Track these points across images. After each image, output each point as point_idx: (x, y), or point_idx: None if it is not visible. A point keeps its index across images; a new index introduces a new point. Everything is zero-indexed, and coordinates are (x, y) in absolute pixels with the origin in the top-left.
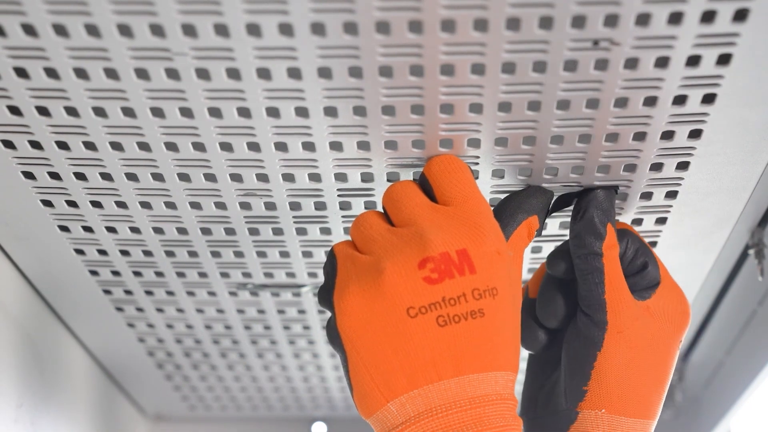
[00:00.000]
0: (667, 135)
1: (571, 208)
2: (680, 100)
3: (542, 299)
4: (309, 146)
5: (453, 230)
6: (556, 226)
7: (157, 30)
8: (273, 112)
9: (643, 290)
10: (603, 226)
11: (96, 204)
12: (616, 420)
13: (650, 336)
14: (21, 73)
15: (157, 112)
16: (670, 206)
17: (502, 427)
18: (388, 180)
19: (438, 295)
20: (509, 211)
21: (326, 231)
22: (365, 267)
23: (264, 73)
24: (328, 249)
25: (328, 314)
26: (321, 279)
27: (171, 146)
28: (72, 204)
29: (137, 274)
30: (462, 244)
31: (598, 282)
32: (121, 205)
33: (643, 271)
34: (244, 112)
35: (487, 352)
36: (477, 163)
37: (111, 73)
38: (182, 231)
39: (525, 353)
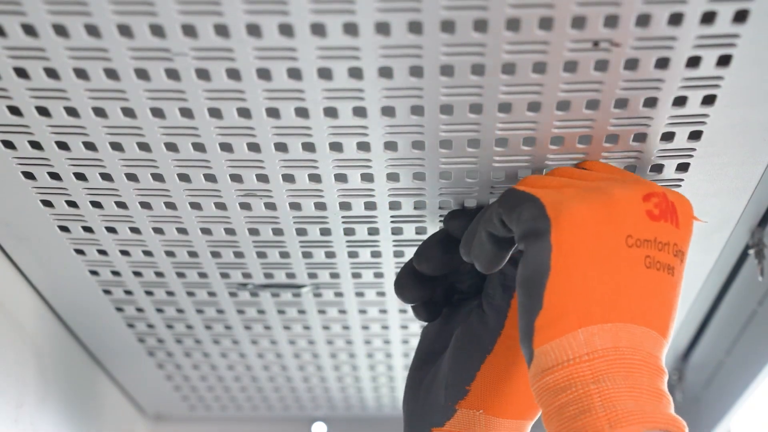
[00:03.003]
0: (667, 136)
1: None
2: (680, 101)
3: (424, 245)
4: (309, 147)
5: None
6: None
7: (157, 30)
8: (273, 113)
9: None
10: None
11: (96, 204)
12: (493, 421)
13: None
14: (21, 73)
15: (157, 113)
16: None
17: (668, 398)
18: (388, 180)
19: (653, 232)
20: None
21: (326, 231)
22: (588, 189)
23: (264, 74)
24: (328, 249)
25: (329, 315)
26: (321, 279)
27: (171, 147)
28: (72, 204)
29: (137, 274)
30: (672, 198)
31: (508, 287)
32: (121, 205)
33: None
34: (244, 113)
35: (667, 314)
36: (475, 164)
37: (111, 74)
38: (182, 231)
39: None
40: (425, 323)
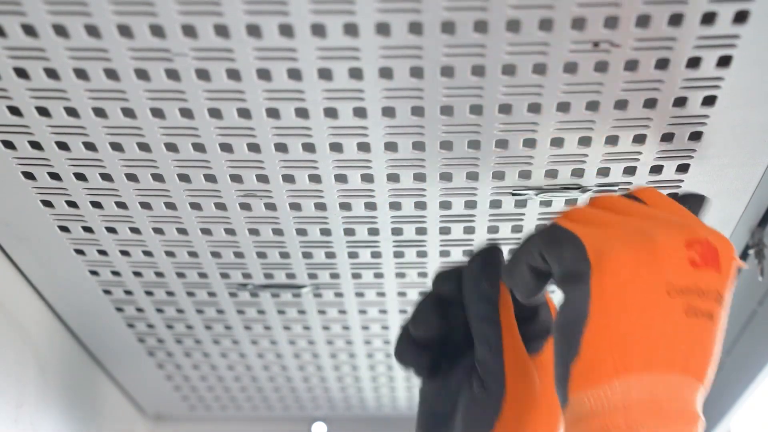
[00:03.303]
0: (668, 137)
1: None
2: (680, 102)
3: (417, 311)
4: (309, 147)
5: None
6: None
7: (157, 30)
8: (273, 113)
9: (535, 340)
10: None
11: (96, 204)
12: None
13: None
14: (21, 73)
15: (157, 113)
16: None
17: None
18: (388, 180)
19: (694, 280)
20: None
21: (326, 232)
22: (631, 232)
23: (264, 74)
24: (328, 249)
25: (329, 315)
26: (321, 279)
27: (171, 147)
28: (72, 204)
29: (137, 274)
30: (715, 241)
31: (496, 348)
32: (121, 205)
33: (534, 318)
34: (244, 113)
35: (705, 360)
36: (476, 165)
37: (111, 74)
38: (182, 231)
39: None
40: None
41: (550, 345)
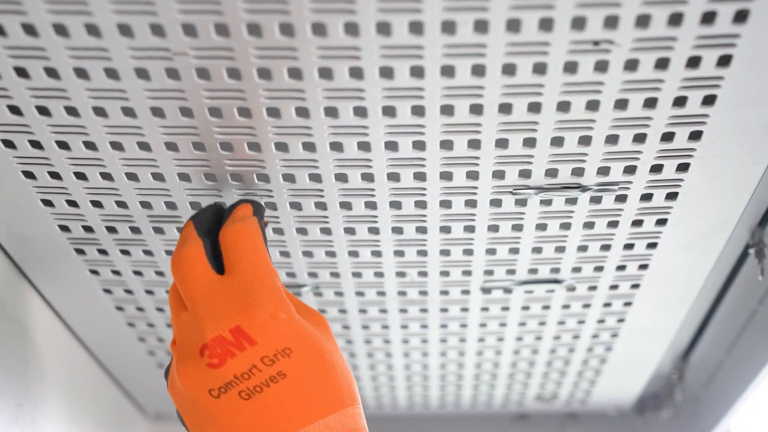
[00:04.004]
0: (668, 136)
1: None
2: (680, 101)
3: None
4: (309, 146)
5: (227, 308)
6: (557, 227)
7: (158, 30)
8: (273, 113)
9: None
10: None
11: (96, 203)
12: None
13: None
14: (21, 72)
15: (158, 112)
16: (671, 208)
17: None
18: (389, 179)
19: (228, 375)
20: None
21: (326, 231)
22: (173, 356)
23: (264, 73)
24: (329, 248)
25: (329, 315)
26: (321, 278)
27: (171, 146)
28: (72, 204)
29: (138, 273)
30: (235, 321)
31: None
32: (121, 204)
33: None
34: (244, 112)
35: (305, 405)
36: (477, 164)
37: (111, 73)
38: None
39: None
40: None
41: None
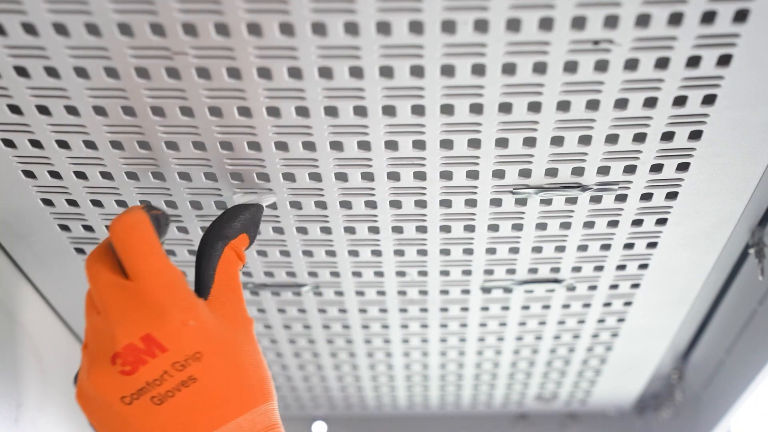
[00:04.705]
0: (668, 136)
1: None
2: (680, 101)
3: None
4: (309, 146)
5: (136, 316)
6: (557, 226)
7: (158, 29)
8: (273, 112)
9: None
10: None
11: (96, 203)
12: None
13: None
14: (21, 72)
15: (158, 111)
16: (671, 207)
17: None
18: (389, 178)
19: (140, 381)
20: (210, 242)
21: (326, 230)
22: (83, 361)
23: (265, 73)
24: (329, 248)
25: (329, 314)
26: (321, 278)
27: (171, 145)
28: (72, 203)
29: None
30: (145, 329)
31: None
32: (121, 204)
33: None
34: (244, 112)
35: (216, 407)
36: (477, 164)
37: (111, 72)
38: (183, 230)
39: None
40: None
41: None
